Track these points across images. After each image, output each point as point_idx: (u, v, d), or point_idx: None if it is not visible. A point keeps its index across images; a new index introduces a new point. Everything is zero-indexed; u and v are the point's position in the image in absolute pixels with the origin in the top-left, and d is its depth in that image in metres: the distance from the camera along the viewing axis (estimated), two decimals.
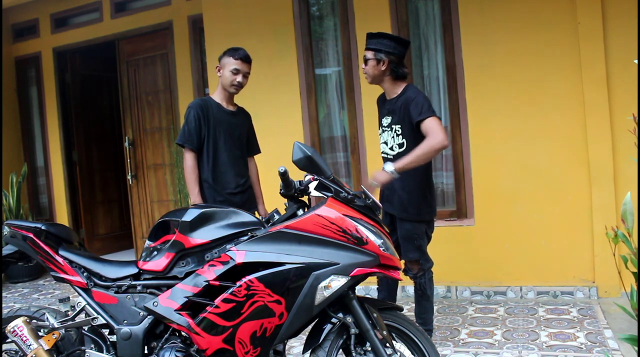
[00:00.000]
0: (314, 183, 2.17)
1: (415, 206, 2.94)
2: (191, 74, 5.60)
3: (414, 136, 2.90)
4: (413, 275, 2.99)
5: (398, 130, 2.94)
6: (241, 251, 2.06)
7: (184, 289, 2.07)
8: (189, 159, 3.00)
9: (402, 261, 2.91)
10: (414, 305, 3.10)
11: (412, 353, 2.16)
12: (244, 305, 2.00)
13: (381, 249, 2.07)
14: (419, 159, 2.77)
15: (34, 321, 2.29)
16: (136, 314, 2.18)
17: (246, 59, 3.04)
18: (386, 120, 3.02)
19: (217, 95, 3.12)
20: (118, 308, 2.20)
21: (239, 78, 3.02)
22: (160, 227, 2.30)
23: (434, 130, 2.77)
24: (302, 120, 4.54)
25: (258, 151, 3.36)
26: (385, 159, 3.07)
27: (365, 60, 2.98)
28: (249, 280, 2.00)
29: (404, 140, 2.92)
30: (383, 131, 3.05)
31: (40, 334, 2.23)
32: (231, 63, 3.01)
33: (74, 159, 6.45)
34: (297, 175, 2.19)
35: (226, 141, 3.05)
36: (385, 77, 2.97)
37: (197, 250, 2.15)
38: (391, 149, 2.99)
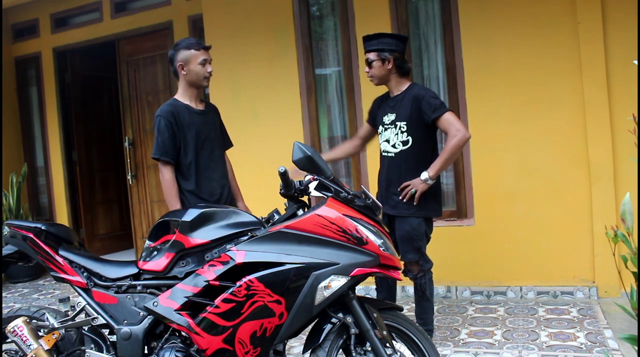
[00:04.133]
0: (314, 183, 2.17)
1: (422, 202, 2.90)
2: None
3: (421, 133, 2.91)
4: (413, 276, 2.99)
5: (403, 127, 2.93)
6: (241, 251, 2.06)
7: (184, 289, 2.08)
8: (166, 173, 2.73)
9: (402, 262, 2.91)
10: (414, 305, 3.10)
11: (412, 353, 2.16)
12: (244, 305, 2.01)
13: (381, 249, 2.08)
14: (448, 160, 2.85)
15: (34, 321, 2.30)
16: (136, 314, 2.18)
17: (207, 47, 2.87)
18: (388, 118, 3.01)
19: (183, 96, 2.88)
20: (118, 308, 2.20)
21: (210, 68, 2.84)
22: (160, 227, 2.30)
23: (453, 126, 2.83)
24: (302, 120, 4.53)
25: (231, 144, 3.13)
26: (386, 158, 3.06)
27: (369, 63, 2.98)
28: (249, 280, 2.00)
29: (409, 137, 2.92)
30: (385, 129, 3.03)
31: (40, 334, 2.23)
32: (197, 55, 2.79)
33: (74, 159, 6.44)
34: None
35: (204, 145, 2.82)
36: (391, 75, 2.99)
37: (197, 250, 2.15)
38: (393, 146, 2.98)
